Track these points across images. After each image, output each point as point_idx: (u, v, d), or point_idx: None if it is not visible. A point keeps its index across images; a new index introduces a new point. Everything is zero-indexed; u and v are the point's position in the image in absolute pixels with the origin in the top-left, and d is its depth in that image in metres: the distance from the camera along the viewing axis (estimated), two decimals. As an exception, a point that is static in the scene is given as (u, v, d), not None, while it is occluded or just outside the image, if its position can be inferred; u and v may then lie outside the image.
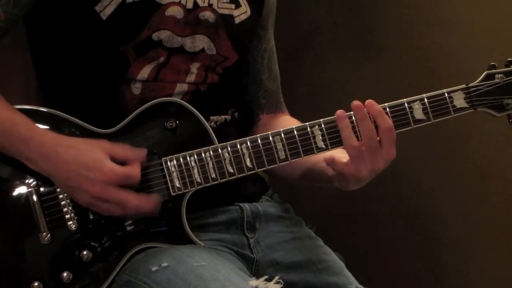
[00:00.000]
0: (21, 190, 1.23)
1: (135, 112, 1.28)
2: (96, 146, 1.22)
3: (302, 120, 1.34)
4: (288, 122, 1.53)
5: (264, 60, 1.55)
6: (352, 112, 1.27)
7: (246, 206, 1.40)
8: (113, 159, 1.21)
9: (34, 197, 1.23)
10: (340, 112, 1.27)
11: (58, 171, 1.21)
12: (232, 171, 1.26)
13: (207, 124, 1.29)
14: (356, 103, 1.26)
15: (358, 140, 1.26)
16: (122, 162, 1.21)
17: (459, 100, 1.29)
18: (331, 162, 1.28)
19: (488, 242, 2.11)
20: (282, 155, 1.27)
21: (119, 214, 1.22)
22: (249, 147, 1.27)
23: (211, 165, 1.26)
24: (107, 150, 1.21)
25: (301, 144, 1.27)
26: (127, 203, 1.20)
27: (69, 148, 1.21)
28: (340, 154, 1.29)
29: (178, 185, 1.25)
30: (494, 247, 2.09)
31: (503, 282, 2.10)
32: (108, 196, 1.19)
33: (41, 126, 1.26)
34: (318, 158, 1.33)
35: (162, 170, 1.25)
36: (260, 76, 1.55)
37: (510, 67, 1.31)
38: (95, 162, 1.20)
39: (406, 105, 1.28)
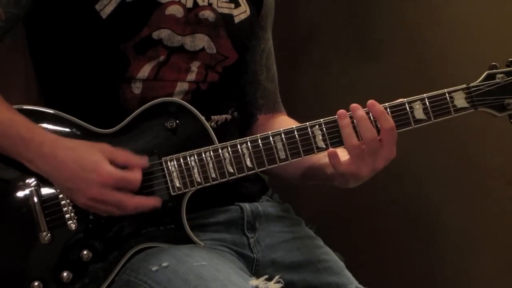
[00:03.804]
0: (21, 190, 1.23)
1: (135, 112, 1.28)
2: (95, 149, 1.22)
3: (302, 120, 1.34)
4: (285, 122, 1.53)
5: (262, 60, 1.55)
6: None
7: (246, 206, 1.40)
8: (113, 163, 1.20)
9: (34, 197, 1.23)
10: (341, 111, 1.27)
11: (57, 172, 1.21)
12: (232, 171, 1.26)
13: (207, 124, 1.29)
14: (352, 105, 1.27)
15: (359, 139, 1.26)
16: (123, 167, 1.21)
17: (460, 100, 1.29)
18: (334, 157, 1.27)
19: (489, 242, 2.11)
20: (282, 155, 1.27)
21: (118, 215, 1.22)
22: (249, 147, 1.27)
23: (211, 165, 1.26)
24: (107, 153, 1.21)
25: (301, 144, 1.27)
26: (125, 205, 1.20)
27: (68, 150, 1.21)
28: (341, 153, 1.29)
29: (178, 185, 1.25)
30: (495, 247, 2.09)
31: (503, 282, 2.10)
32: (105, 198, 1.19)
33: (41, 126, 1.26)
34: (317, 157, 1.33)
35: (162, 170, 1.25)
36: (258, 76, 1.55)
37: (511, 67, 1.31)
38: (93, 164, 1.19)
39: (406, 105, 1.28)
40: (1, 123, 1.22)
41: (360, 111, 1.26)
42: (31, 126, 1.23)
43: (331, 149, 1.27)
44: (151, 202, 1.23)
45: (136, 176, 1.21)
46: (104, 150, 1.22)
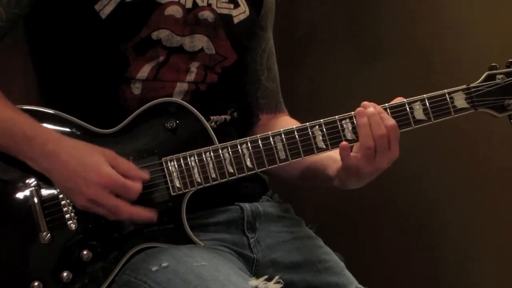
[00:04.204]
0: (21, 190, 1.23)
1: (135, 112, 1.28)
2: (98, 151, 1.22)
3: (302, 120, 1.34)
4: (287, 122, 1.53)
5: (263, 60, 1.55)
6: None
7: (247, 206, 1.40)
8: (114, 169, 1.20)
9: (35, 197, 1.22)
10: (359, 109, 1.27)
11: (57, 170, 1.21)
12: (232, 171, 1.26)
13: (207, 124, 1.29)
14: (363, 103, 1.27)
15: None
16: (123, 175, 1.21)
17: (460, 101, 1.29)
18: (346, 150, 1.26)
19: (489, 242, 2.11)
20: (282, 155, 1.27)
21: (112, 220, 1.22)
22: (250, 147, 1.27)
23: (211, 165, 1.26)
24: (109, 157, 1.21)
25: (301, 144, 1.27)
26: (120, 212, 1.20)
27: (71, 149, 1.21)
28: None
29: (178, 185, 1.26)
30: (495, 247, 2.09)
31: (503, 282, 2.10)
32: (102, 201, 1.19)
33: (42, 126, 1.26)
34: (318, 158, 1.33)
35: (162, 170, 1.25)
36: (259, 76, 1.55)
37: (511, 67, 1.31)
38: (94, 164, 1.20)
39: (406, 105, 1.28)
40: (4, 121, 1.22)
41: (371, 109, 1.26)
42: (34, 125, 1.23)
43: (344, 142, 1.27)
44: (146, 214, 1.23)
45: (136, 185, 1.21)
46: (106, 153, 1.22)
